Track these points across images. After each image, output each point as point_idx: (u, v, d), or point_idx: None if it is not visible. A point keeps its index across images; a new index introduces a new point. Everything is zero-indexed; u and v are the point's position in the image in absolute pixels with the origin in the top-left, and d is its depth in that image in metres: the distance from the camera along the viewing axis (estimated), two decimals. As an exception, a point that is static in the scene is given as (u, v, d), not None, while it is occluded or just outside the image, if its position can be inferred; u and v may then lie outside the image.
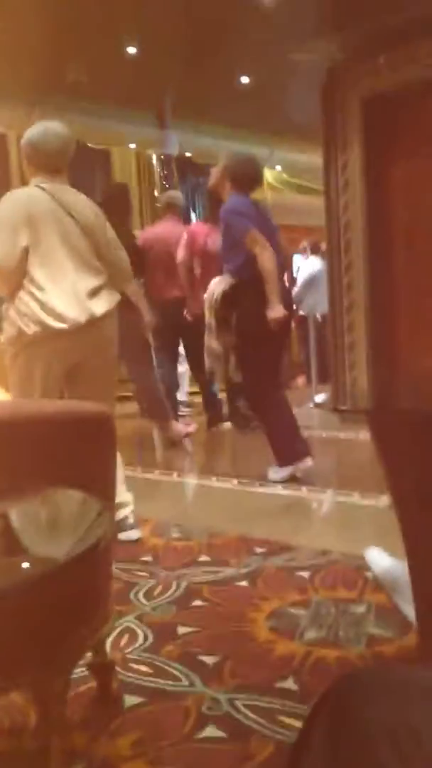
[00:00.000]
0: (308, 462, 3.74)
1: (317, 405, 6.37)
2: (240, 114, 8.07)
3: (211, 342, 3.71)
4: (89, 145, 9.11)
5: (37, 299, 2.64)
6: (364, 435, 4.44)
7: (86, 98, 7.36)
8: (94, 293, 2.73)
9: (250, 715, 1.65)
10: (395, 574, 2.24)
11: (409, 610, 2.07)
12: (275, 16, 5.34)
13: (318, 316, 6.77)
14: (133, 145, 8.87)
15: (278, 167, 10.94)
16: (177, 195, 6.19)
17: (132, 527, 2.91)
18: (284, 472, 3.75)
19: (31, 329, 2.64)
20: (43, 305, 2.64)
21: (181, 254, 5.02)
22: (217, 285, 3.71)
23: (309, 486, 3.65)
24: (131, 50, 6.10)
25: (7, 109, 7.48)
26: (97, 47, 6.02)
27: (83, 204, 2.84)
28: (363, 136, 5.44)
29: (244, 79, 7.00)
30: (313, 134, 6.44)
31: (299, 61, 5.92)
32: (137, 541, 2.88)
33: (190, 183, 9.61)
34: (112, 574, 1.83)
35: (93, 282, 2.74)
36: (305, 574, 2.46)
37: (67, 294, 2.67)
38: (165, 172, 8.71)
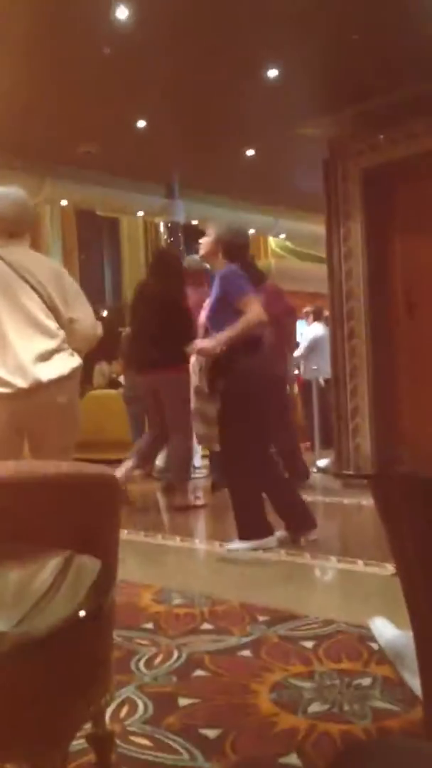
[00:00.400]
0: (272, 543, 3.63)
1: (320, 470, 6.34)
2: (245, 184, 8.31)
3: (206, 408, 3.67)
4: (98, 213, 9.37)
5: None
6: (367, 501, 4.41)
7: (96, 169, 7.61)
8: (43, 358, 2.69)
9: (253, 792, 1.60)
10: (400, 645, 2.19)
11: (415, 683, 2.02)
12: (279, 92, 5.56)
13: (321, 381, 6.82)
14: (141, 213, 9.09)
15: (282, 235, 11.20)
16: (197, 259, 6.26)
17: None
18: (240, 545, 3.65)
19: None
20: None
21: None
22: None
23: (312, 552, 3.61)
24: (140, 124, 6.33)
25: (20, 178, 7.71)
26: (107, 120, 6.25)
27: (38, 264, 2.84)
28: (364, 208, 5.60)
29: (249, 152, 7.24)
30: (316, 205, 6.62)
31: (302, 135, 6.14)
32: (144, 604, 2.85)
33: (196, 250, 9.81)
34: (112, 641, 1.80)
35: (44, 346, 2.70)
36: (309, 644, 2.41)
37: (8, 359, 2.66)
38: (172, 239, 8.90)
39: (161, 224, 9.24)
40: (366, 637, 2.40)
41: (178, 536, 4.17)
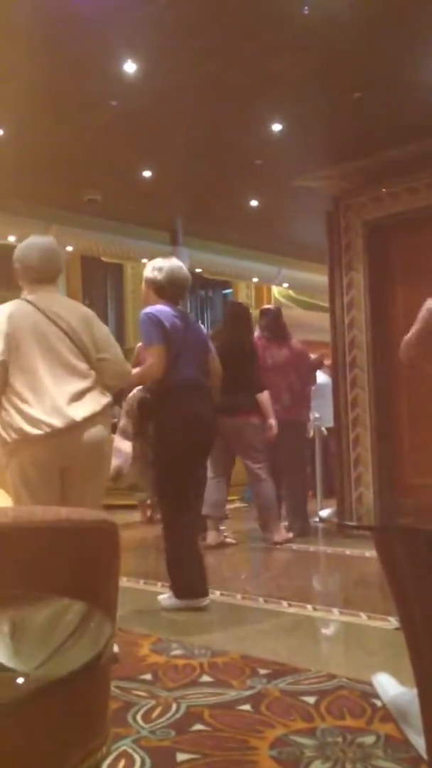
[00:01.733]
0: (203, 602, 3.52)
1: (322, 520, 6.28)
2: (249, 234, 8.43)
3: (121, 444, 3.55)
4: (103, 259, 9.48)
5: (18, 409, 2.74)
6: (370, 552, 4.36)
7: (101, 216, 7.73)
8: (76, 398, 2.79)
9: None
10: (404, 702, 2.15)
11: (420, 742, 1.97)
12: (283, 145, 5.68)
13: (324, 429, 6.80)
14: (145, 260, 9.19)
15: (285, 284, 11.31)
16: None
17: None
18: (172, 601, 3.56)
19: (11, 437, 2.74)
20: (22, 414, 2.73)
21: None
22: (137, 391, 3.62)
23: (314, 605, 3.55)
24: (146, 173, 6.45)
25: (26, 225, 7.83)
26: (113, 169, 6.38)
27: (69, 310, 2.95)
28: (366, 259, 5.67)
29: (253, 202, 7.36)
30: (319, 255, 6.71)
31: (305, 188, 6.25)
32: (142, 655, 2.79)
33: (200, 297, 9.89)
34: (110, 692, 1.76)
35: (76, 386, 2.81)
36: (311, 699, 2.36)
37: (44, 400, 2.74)
38: (175, 286, 8.98)
39: (165, 271, 9.32)
40: (369, 693, 2.35)
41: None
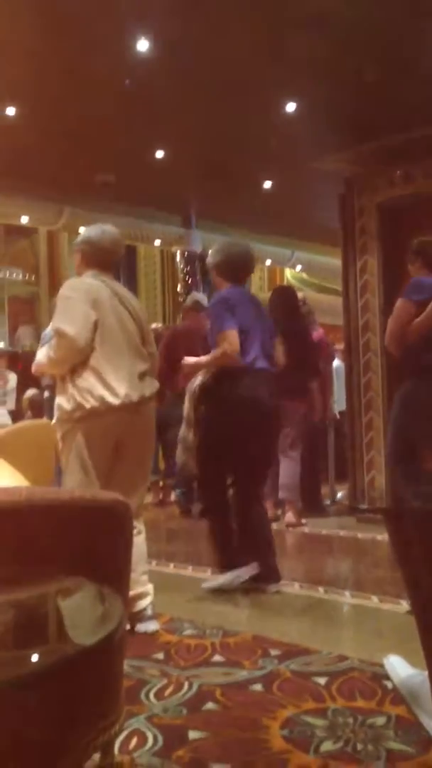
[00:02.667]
0: (243, 576, 3.49)
1: (334, 503, 6.29)
2: (262, 216, 8.38)
3: (189, 434, 3.60)
4: (115, 241, 9.50)
5: (98, 375, 2.82)
6: (382, 535, 4.36)
7: (114, 198, 7.70)
8: (142, 376, 2.93)
9: None
10: (416, 684, 2.15)
11: (430, 724, 1.97)
12: (298, 127, 5.63)
13: (336, 413, 6.78)
14: (158, 242, 9.17)
15: (298, 267, 11.25)
16: (201, 297, 6.51)
17: (150, 618, 2.90)
18: (217, 581, 3.56)
19: (89, 403, 2.79)
20: (103, 381, 2.81)
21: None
22: (199, 376, 3.65)
23: (326, 587, 3.56)
24: (159, 154, 6.41)
25: (39, 206, 7.82)
26: (126, 150, 6.34)
27: (132, 297, 3.09)
28: (380, 241, 5.62)
29: (267, 184, 7.31)
30: (333, 238, 6.66)
31: (319, 169, 6.20)
32: (154, 633, 2.83)
33: (211, 281, 9.86)
34: (123, 670, 1.78)
35: (142, 366, 2.95)
36: (322, 680, 2.37)
37: (124, 373, 2.86)
38: (188, 268, 8.97)
39: (177, 253, 9.31)
40: (380, 675, 2.35)
41: (190, 565, 4.14)
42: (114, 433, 2.85)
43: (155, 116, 5.60)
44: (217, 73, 4.86)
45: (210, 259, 3.80)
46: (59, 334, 2.82)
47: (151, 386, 2.97)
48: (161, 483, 6.70)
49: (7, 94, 5.24)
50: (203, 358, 3.68)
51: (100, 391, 2.79)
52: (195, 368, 3.68)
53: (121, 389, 2.81)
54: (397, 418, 3.89)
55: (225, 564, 3.61)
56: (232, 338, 3.46)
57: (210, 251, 3.87)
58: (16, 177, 6.84)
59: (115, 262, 3.15)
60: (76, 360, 2.83)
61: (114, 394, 2.80)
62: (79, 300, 2.87)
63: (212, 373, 3.58)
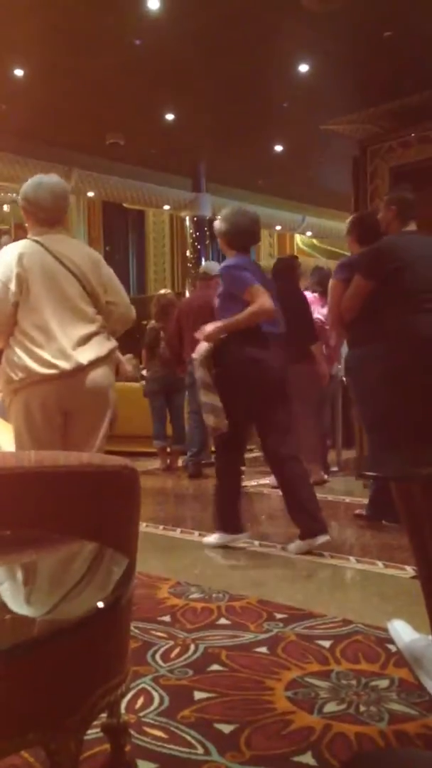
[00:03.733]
0: (242, 538, 3.71)
1: (342, 469, 6.31)
2: (273, 180, 8.28)
3: (208, 398, 3.61)
4: (124, 205, 9.39)
5: (25, 348, 2.76)
6: (388, 502, 4.37)
7: (123, 161, 7.62)
8: (82, 342, 2.79)
9: (267, 789, 1.59)
10: (419, 649, 2.18)
11: (433, 687, 2.00)
12: (310, 87, 5.53)
13: (344, 379, 6.76)
14: (167, 207, 9.09)
15: (309, 233, 11.14)
16: (212, 266, 6.45)
17: None
18: (217, 538, 3.73)
19: (17, 376, 2.76)
20: (31, 353, 2.75)
21: None
22: (203, 343, 3.68)
23: (332, 552, 3.59)
24: (169, 116, 6.32)
25: (47, 169, 7.74)
26: (135, 112, 6.26)
27: (77, 252, 2.92)
28: (393, 206, 5.53)
29: (278, 148, 7.20)
30: (344, 202, 6.58)
31: (332, 131, 6.10)
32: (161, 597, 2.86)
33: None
34: (130, 632, 1.80)
35: (82, 330, 2.81)
36: (326, 643, 2.40)
37: (52, 343, 2.76)
38: (197, 233, 8.89)
39: (187, 218, 9.23)
40: (384, 639, 2.38)
41: (196, 531, 4.17)
42: (54, 401, 2.78)
43: (165, 77, 5.51)
44: (229, 33, 4.77)
45: (218, 227, 3.78)
46: None
47: (96, 350, 2.81)
48: (168, 449, 6.73)
49: (15, 56, 5.15)
50: (233, 319, 3.56)
51: (26, 362, 2.73)
52: (225, 331, 3.59)
53: (50, 358, 2.72)
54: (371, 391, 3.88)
55: (226, 526, 3.71)
56: (262, 292, 3.50)
57: (218, 218, 3.85)
58: (25, 139, 6.78)
59: (60, 215, 2.94)
60: (1, 342, 2.79)
61: (41, 363, 2.73)
62: (1, 281, 2.77)
63: (223, 338, 3.60)
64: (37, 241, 2.87)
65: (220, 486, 3.79)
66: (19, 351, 2.76)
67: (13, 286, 2.76)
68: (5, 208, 11.22)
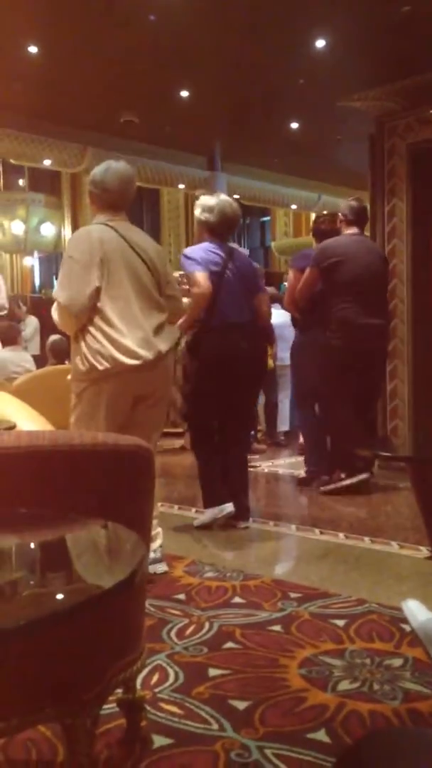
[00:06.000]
0: (228, 508, 3.68)
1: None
2: (289, 159, 8.20)
3: (176, 394, 3.73)
4: (139, 184, 9.35)
5: (108, 336, 2.72)
6: (403, 482, 4.37)
7: (138, 139, 7.57)
8: (158, 330, 2.82)
9: (281, 765, 1.60)
10: (433, 628, 2.18)
11: (447, 667, 2.00)
12: (326, 63, 5.45)
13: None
14: (182, 186, 9.04)
15: (325, 212, 11.04)
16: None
17: (159, 561, 2.95)
18: (205, 515, 3.74)
19: (102, 365, 2.72)
20: (114, 342, 2.71)
21: None
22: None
23: (347, 532, 3.60)
24: (183, 93, 6.26)
25: (61, 148, 7.71)
26: (150, 89, 6.20)
27: (146, 241, 2.95)
28: (410, 185, 5.47)
29: (294, 125, 7.12)
30: (361, 181, 6.51)
31: (348, 108, 6.01)
32: (163, 574, 2.89)
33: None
34: (145, 610, 1.82)
35: (157, 319, 2.84)
36: (340, 622, 2.41)
37: (136, 331, 2.75)
38: (212, 213, 8.83)
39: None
40: (398, 618, 2.39)
41: (211, 510, 4.18)
42: (131, 389, 2.79)
43: (180, 54, 5.44)
44: (244, 9, 4.70)
45: (202, 215, 3.74)
46: (56, 299, 2.78)
47: (169, 338, 2.88)
48: (183, 429, 6.73)
49: (29, 33, 5.12)
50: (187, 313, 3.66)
51: (112, 351, 2.70)
52: (188, 325, 3.66)
53: (135, 348, 2.72)
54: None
55: (208, 502, 3.75)
56: (199, 278, 3.56)
57: (199, 205, 3.79)
58: (39, 117, 6.75)
59: (126, 201, 2.95)
60: (74, 325, 2.76)
61: (127, 353, 2.71)
62: (80, 262, 2.74)
63: (194, 333, 3.68)
64: (110, 226, 2.84)
65: (198, 466, 3.84)
66: (104, 340, 2.72)
67: (96, 270, 2.73)
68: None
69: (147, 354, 2.74)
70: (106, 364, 2.71)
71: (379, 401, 5.56)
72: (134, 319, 2.75)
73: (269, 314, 4.06)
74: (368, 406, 4.73)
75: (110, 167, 2.90)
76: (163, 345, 2.81)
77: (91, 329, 2.73)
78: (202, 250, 3.69)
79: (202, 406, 3.76)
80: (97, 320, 2.73)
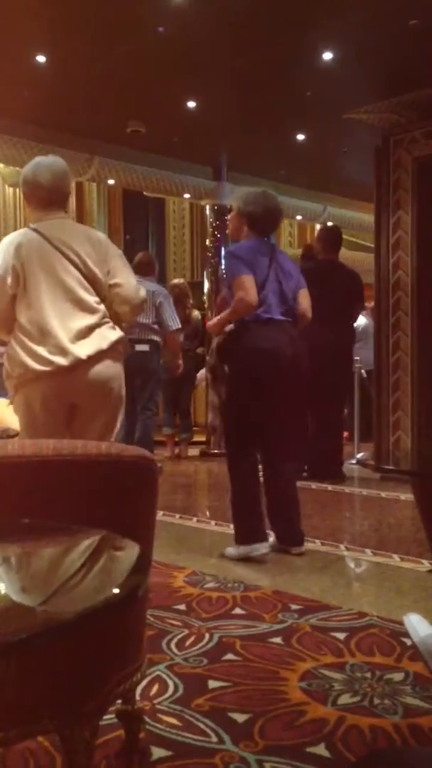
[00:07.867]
0: (262, 549, 3.34)
1: (359, 462, 6.30)
2: (294, 170, 8.22)
3: (214, 397, 3.55)
4: (145, 193, 9.36)
5: (23, 345, 2.72)
6: (405, 495, 4.37)
7: (144, 149, 7.59)
8: (82, 335, 2.70)
9: (280, 779, 1.59)
10: (434, 642, 2.17)
11: (448, 682, 1.99)
12: (333, 76, 5.47)
13: (363, 372, 6.74)
14: (187, 195, 9.06)
15: (330, 223, 11.06)
16: None
17: None
18: (237, 551, 3.37)
19: (15, 372, 2.75)
20: (27, 349, 2.71)
21: None
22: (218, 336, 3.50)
23: (348, 545, 3.59)
24: (190, 104, 6.28)
25: (68, 156, 7.73)
26: (157, 100, 6.22)
27: (76, 236, 2.80)
28: (415, 197, 5.49)
29: (300, 136, 7.14)
30: (366, 193, 6.52)
31: (355, 121, 6.04)
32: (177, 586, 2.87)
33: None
34: (146, 621, 1.81)
35: (82, 322, 2.71)
36: (341, 635, 2.40)
37: (48, 338, 2.69)
38: (217, 222, 8.86)
39: (207, 207, 9.20)
40: (399, 632, 2.38)
41: (213, 520, 4.19)
42: (55, 396, 2.72)
43: (188, 65, 5.47)
44: (252, 21, 4.72)
45: (246, 207, 3.47)
46: None
47: (97, 343, 2.71)
48: (176, 438, 6.75)
49: (37, 42, 5.14)
50: (223, 314, 3.46)
51: (24, 358, 2.69)
52: (220, 327, 3.47)
53: (46, 354, 2.66)
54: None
55: (240, 538, 3.38)
56: (247, 284, 3.27)
57: (240, 197, 3.56)
58: (46, 126, 6.78)
59: (61, 197, 2.82)
60: (4, 335, 2.79)
61: (37, 360, 2.67)
62: None
63: (230, 330, 3.41)
64: (35, 230, 2.78)
65: (233, 493, 3.45)
66: (16, 347, 2.73)
67: (9, 280, 2.72)
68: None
69: (60, 360, 2.66)
70: (18, 371, 2.73)
71: (382, 414, 5.55)
72: (48, 325, 2.69)
73: (309, 309, 3.59)
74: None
75: (40, 162, 2.82)
76: (82, 350, 2.68)
77: (12, 337, 2.78)
78: (251, 250, 3.39)
79: (240, 415, 3.38)
80: (16, 329, 2.76)
